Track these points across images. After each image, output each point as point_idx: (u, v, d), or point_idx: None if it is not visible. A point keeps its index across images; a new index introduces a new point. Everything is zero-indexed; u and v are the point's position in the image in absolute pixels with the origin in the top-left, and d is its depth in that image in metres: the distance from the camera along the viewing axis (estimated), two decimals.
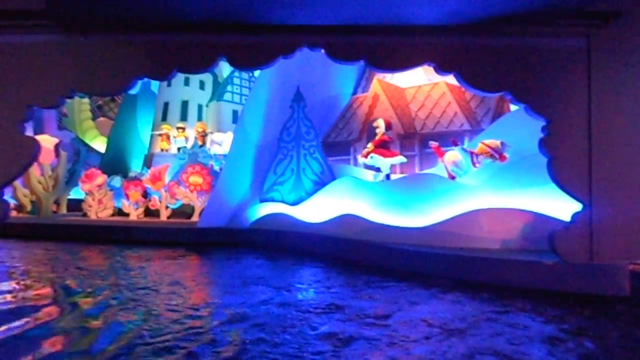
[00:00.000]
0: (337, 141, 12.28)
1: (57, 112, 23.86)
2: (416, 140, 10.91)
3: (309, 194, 10.91)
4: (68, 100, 6.04)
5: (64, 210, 20.00)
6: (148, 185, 15.55)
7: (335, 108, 12.69)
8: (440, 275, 6.57)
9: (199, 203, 14.30)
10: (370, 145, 9.98)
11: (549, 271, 5.72)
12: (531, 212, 6.92)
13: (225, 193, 11.76)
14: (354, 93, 12.89)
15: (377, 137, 9.92)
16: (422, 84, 11.52)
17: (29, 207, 18.43)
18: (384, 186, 8.71)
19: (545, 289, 5.71)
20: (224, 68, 21.03)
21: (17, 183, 18.14)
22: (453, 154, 8.24)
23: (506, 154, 7.76)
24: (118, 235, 12.18)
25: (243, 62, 5.97)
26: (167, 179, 15.55)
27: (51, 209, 20.26)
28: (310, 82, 11.86)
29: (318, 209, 10.17)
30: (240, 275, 7.28)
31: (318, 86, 12.20)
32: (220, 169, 13.60)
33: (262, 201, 11.49)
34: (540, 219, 6.82)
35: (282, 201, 11.22)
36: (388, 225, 8.13)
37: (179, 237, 11.62)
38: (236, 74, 20.36)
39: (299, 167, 11.16)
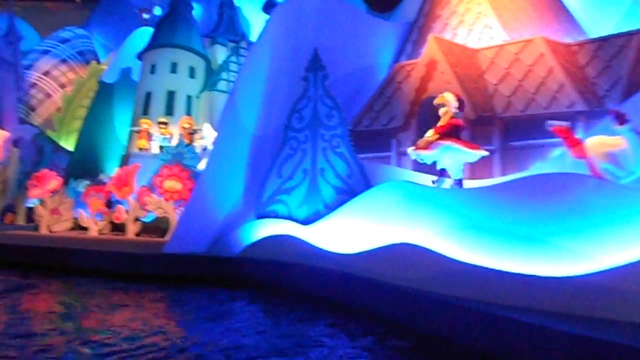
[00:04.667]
0: (372, 130, 8.55)
1: (23, 105, 20.36)
2: (495, 128, 7.23)
3: (330, 208, 7.28)
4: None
5: (21, 220, 16.44)
6: (113, 192, 11.92)
7: (368, 83, 9.02)
8: None
9: (176, 216, 10.64)
10: (431, 133, 6.29)
11: None
12: None
13: (206, 204, 8.10)
14: (396, 61, 9.22)
15: (445, 121, 6.24)
16: (505, 42, 7.83)
17: None
18: (473, 198, 5.00)
19: None
20: (219, 52, 17.49)
21: None
22: (607, 141, 4.56)
23: None
24: (54, 260, 8.52)
25: None
26: (138, 183, 11.94)
27: (8, 219, 16.79)
28: (333, 47, 8.27)
29: (346, 232, 6.50)
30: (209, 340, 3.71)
31: (344, 53, 8.61)
32: None
33: (259, 217, 7.86)
34: None
35: (290, 217, 7.60)
36: (492, 270, 4.43)
37: (136, 266, 7.95)
38: (233, 58, 16.80)
39: (314, 168, 7.55)
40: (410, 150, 6.41)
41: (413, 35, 9.18)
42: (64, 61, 21.11)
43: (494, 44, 7.96)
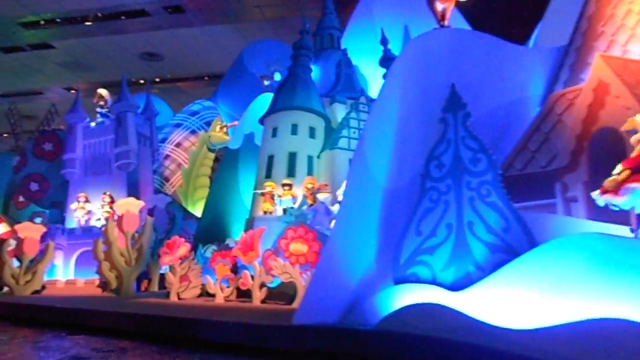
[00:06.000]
0: (528, 173, 7.26)
1: (158, 176, 21.65)
2: None
3: (483, 269, 6.07)
4: None
5: (155, 287, 16.90)
6: (238, 257, 11.56)
7: (516, 120, 7.80)
8: None
9: (302, 282, 9.90)
10: (620, 169, 4.92)
11: None
12: None
13: (336, 268, 7.20)
14: (550, 91, 7.93)
15: (638, 151, 4.86)
16: None
17: (114, 284, 15.38)
18: None
19: None
20: (338, 110, 17.20)
21: (102, 255, 15.37)
22: None
23: None
24: (177, 331, 8.08)
25: None
26: (263, 247, 11.48)
27: (144, 286, 17.35)
28: (471, 84, 7.23)
29: (513, 301, 5.20)
30: None
31: (484, 89, 7.52)
32: None
33: (398, 282, 6.79)
34: None
35: (434, 282, 6.46)
36: None
37: (261, 339, 7.17)
38: (352, 115, 16.36)
39: (461, 222, 6.41)
40: (595, 194, 5.05)
41: (569, 59, 7.84)
42: (193, 132, 22.40)
43: None
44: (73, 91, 30.94)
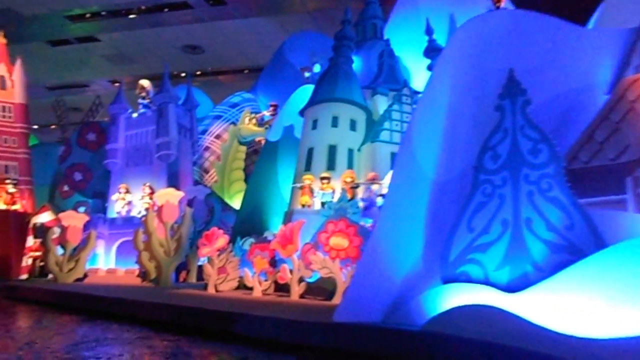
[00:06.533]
0: (595, 167, 6.69)
1: (198, 168, 21.70)
2: None
3: (543, 270, 5.60)
4: None
5: (193, 278, 16.92)
6: (277, 250, 11.30)
7: (580, 108, 7.22)
8: None
9: (342, 277, 9.57)
10: None
11: None
12: None
13: (380, 264, 6.82)
14: (619, 77, 7.30)
15: None
16: None
17: (153, 274, 15.45)
18: None
19: None
20: (380, 102, 16.70)
21: (142, 245, 15.46)
22: None
23: None
24: (213, 324, 7.89)
25: None
26: (302, 240, 11.19)
27: (182, 277, 17.39)
28: (532, 67, 6.71)
29: (580, 307, 4.71)
30: None
31: (544, 75, 6.95)
32: None
33: (446, 281, 6.35)
34: None
35: (486, 282, 6.00)
36: None
37: (300, 336, 6.88)
38: (395, 107, 15.83)
39: (518, 218, 5.92)
40: None
41: None
42: (233, 124, 22.35)
43: None
44: (117, 84, 31.51)
